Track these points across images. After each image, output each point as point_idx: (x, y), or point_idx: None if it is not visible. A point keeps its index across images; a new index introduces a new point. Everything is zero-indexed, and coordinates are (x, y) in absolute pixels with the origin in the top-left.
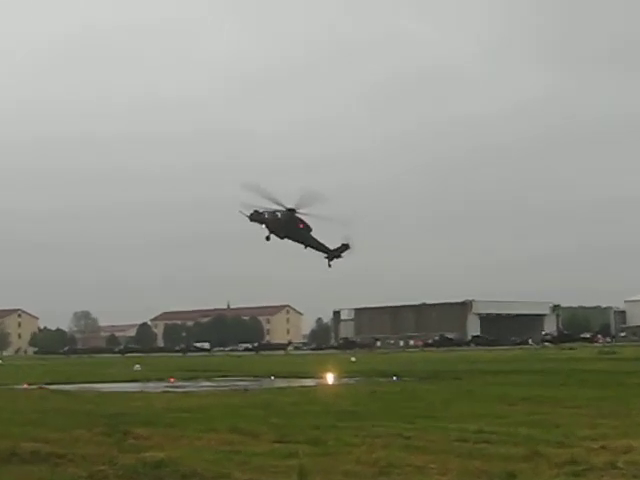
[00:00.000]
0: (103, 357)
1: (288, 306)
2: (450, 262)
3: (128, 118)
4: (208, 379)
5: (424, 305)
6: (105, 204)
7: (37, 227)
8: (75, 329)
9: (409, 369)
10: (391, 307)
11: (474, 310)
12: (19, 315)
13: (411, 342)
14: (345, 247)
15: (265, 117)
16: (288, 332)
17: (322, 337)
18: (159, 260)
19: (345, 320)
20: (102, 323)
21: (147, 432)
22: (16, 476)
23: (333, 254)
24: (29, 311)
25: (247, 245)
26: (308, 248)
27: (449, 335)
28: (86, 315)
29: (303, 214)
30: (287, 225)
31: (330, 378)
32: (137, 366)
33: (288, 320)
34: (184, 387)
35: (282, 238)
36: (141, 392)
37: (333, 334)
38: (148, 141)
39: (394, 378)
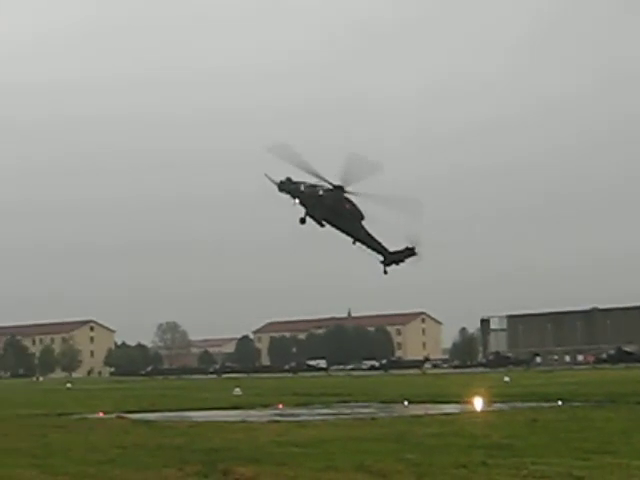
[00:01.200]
0: (195, 379)
1: (424, 314)
2: (624, 255)
3: None
4: (325, 405)
5: (596, 310)
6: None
7: (109, 225)
8: (160, 345)
9: (578, 391)
10: (553, 313)
11: None
12: (92, 328)
13: (580, 357)
14: (410, 252)
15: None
16: (424, 346)
17: (467, 352)
18: (258, 260)
19: (496, 330)
20: (193, 337)
21: (252, 471)
22: None
23: (392, 258)
24: (104, 323)
25: None
26: (358, 244)
27: (628, 348)
28: (173, 327)
29: (354, 195)
30: (332, 206)
31: (478, 403)
32: (237, 389)
33: (424, 331)
34: (296, 415)
35: (322, 225)
36: (243, 422)
37: (481, 348)
38: None
39: (559, 403)
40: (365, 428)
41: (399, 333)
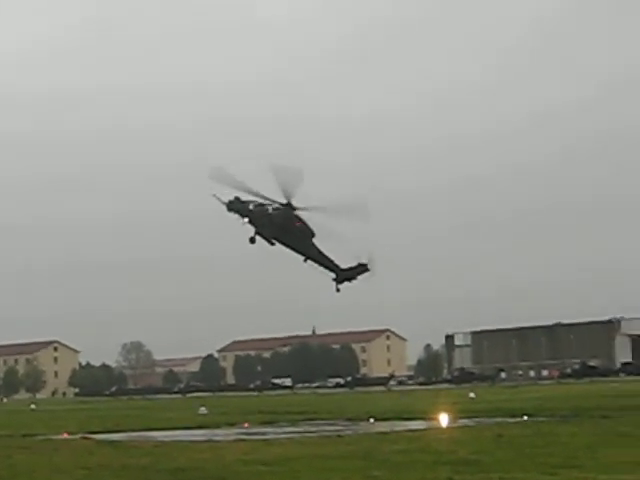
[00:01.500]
0: (160, 398)
1: (388, 330)
2: (588, 269)
3: None
4: (292, 423)
5: (559, 325)
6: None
7: (72, 244)
8: (124, 364)
9: (543, 406)
10: (517, 329)
11: (623, 330)
12: (55, 348)
13: (544, 372)
14: (362, 268)
15: None
16: (389, 363)
17: (432, 368)
18: (222, 277)
19: (460, 346)
20: (157, 356)
21: None
22: None
23: (345, 275)
24: (68, 343)
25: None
26: (309, 262)
27: (592, 363)
28: (137, 347)
29: (304, 210)
30: (282, 224)
31: (444, 420)
32: (202, 409)
33: (389, 348)
34: (262, 434)
35: (272, 243)
36: (209, 441)
37: (446, 364)
38: None
39: (525, 418)
40: (331, 446)
41: (364, 350)
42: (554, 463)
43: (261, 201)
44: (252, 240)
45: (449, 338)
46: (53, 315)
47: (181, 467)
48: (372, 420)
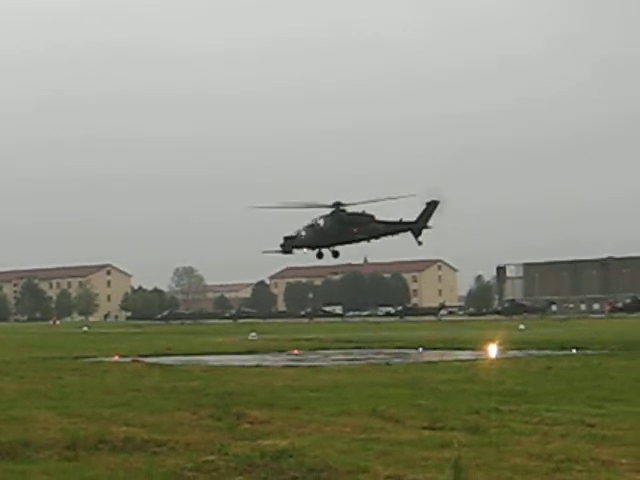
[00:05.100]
0: (211, 323)
1: (440, 261)
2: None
3: None
4: (341, 351)
5: (612, 259)
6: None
7: (124, 164)
8: (176, 289)
9: (594, 340)
10: (569, 262)
11: None
12: (108, 272)
13: (595, 306)
14: (432, 206)
15: None
16: (440, 293)
17: (482, 299)
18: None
19: (512, 278)
20: (209, 282)
21: (266, 415)
22: (105, 467)
23: (419, 226)
24: (121, 267)
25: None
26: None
27: None
28: (190, 272)
29: (353, 206)
30: (341, 229)
31: (493, 351)
32: (253, 334)
33: (440, 278)
34: (311, 361)
35: (335, 255)
36: (258, 366)
37: (497, 295)
38: None
39: (574, 351)
40: (379, 374)
41: (415, 280)
42: (601, 396)
43: (309, 222)
44: (320, 255)
45: (500, 269)
46: (107, 238)
47: (230, 391)
48: (421, 350)
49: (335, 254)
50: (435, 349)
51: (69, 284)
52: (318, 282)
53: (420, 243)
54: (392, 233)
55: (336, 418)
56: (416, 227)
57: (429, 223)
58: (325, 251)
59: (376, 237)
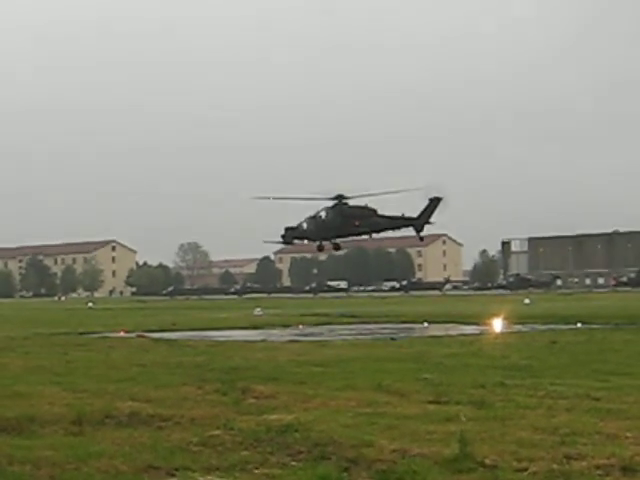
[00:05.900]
0: (216, 299)
1: (445, 235)
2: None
3: None
4: (345, 326)
5: (616, 234)
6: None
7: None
8: (181, 265)
9: (598, 314)
10: (574, 236)
11: None
12: (113, 248)
13: (600, 280)
14: (435, 202)
15: None
16: (445, 268)
17: (487, 274)
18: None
19: (517, 252)
20: (214, 257)
21: (271, 390)
22: (111, 442)
23: (421, 222)
24: (125, 243)
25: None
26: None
27: None
28: (194, 248)
29: (354, 198)
30: (343, 222)
31: (498, 325)
32: (258, 309)
33: (445, 253)
34: (316, 335)
35: (337, 248)
36: (263, 341)
37: (501, 270)
38: None
39: (579, 325)
40: (384, 348)
41: (420, 255)
42: (606, 370)
43: (310, 214)
44: (320, 248)
45: (505, 244)
46: (111, 214)
47: (235, 366)
48: (426, 324)
49: (336, 247)
50: (440, 323)
51: (74, 260)
52: (323, 257)
53: (422, 239)
54: (394, 228)
55: (341, 392)
56: (418, 223)
57: (431, 219)
58: (326, 243)
59: (378, 231)
